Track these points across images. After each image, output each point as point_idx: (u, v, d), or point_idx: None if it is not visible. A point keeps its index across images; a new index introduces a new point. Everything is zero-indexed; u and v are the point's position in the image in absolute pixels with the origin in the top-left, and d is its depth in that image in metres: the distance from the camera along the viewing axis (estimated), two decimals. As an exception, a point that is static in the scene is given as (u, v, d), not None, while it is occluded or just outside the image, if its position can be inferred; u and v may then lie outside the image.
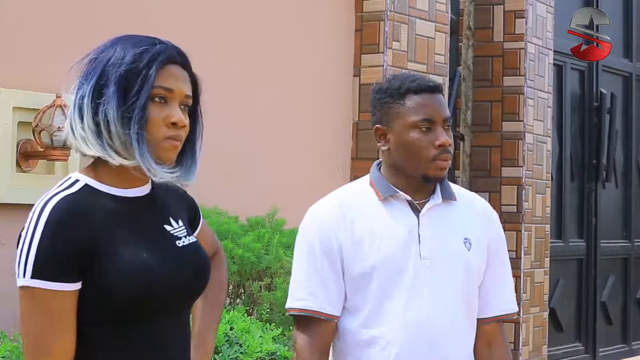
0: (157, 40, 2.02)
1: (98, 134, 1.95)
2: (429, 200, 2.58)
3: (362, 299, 2.56)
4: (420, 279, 2.53)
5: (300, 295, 2.58)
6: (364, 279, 2.55)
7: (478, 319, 2.63)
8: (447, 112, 2.56)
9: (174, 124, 1.98)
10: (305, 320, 2.57)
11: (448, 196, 2.60)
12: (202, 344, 2.20)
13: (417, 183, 2.58)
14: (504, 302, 2.66)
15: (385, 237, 2.55)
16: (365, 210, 2.59)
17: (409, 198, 2.57)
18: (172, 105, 1.99)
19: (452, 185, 2.67)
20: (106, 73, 1.96)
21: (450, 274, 2.55)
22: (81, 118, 1.97)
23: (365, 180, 2.67)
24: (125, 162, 1.96)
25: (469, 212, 2.63)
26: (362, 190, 2.63)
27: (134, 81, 1.95)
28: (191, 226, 2.17)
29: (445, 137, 2.53)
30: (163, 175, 1.98)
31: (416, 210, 2.57)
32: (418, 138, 2.53)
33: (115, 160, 1.95)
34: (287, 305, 2.61)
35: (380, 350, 2.54)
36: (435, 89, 2.57)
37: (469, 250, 2.57)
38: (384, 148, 2.61)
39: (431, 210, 2.57)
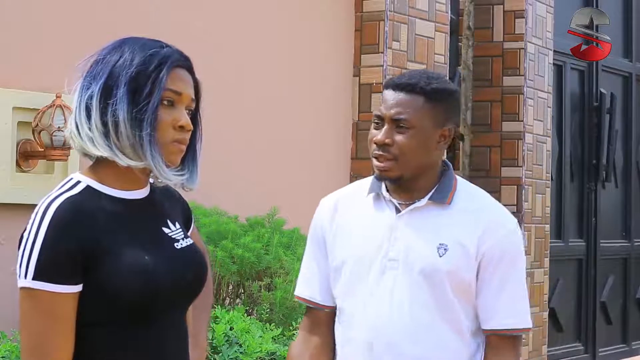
0: (163, 43, 2.03)
1: (106, 134, 1.96)
2: (413, 202, 2.54)
3: (336, 293, 2.62)
4: (384, 280, 2.52)
5: (298, 282, 2.72)
6: (337, 273, 2.60)
7: (483, 329, 2.58)
8: (402, 113, 2.47)
9: (181, 127, 1.99)
10: (306, 306, 2.72)
11: (438, 199, 2.54)
12: (197, 344, 2.22)
13: (403, 183, 2.54)
14: (502, 317, 2.55)
15: (360, 234, 2.57)
16: (354, 205, 2.62)
17: (388, 197, 2.56)
18: (178, 108, 2.00)
19: (463, 189, 2.59)
20: (115, 74, 1.96)
21: (415, 278, 2.50)
22: (88, 118, 1.97)
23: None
24: (133, 164, 1.96)
25: (461, 218, 2.53)
26: (362, 186, 2.64)
27: (144, 83, 1.96)
28: (185, 229, 2.18)
29: (380, 135, 2.49)
30: (172, 177, 2.00)
31: (399, 211, 2.55)
32: (370, 134, 2.55)
33: (123, 161, 1.96)
34: None
35: (341, 347, 2.61)
36: (402, 87, 2.50)
37: (441, 256, 2.49)
38: None
39: (413, 212, 2.53)
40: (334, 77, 5.96)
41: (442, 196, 2.54)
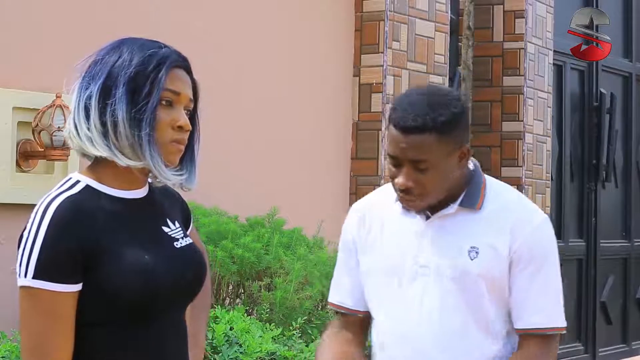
0: (161, 44, 2.03)
1: (105, 134, 1.96)
2: (444, 208, 2.52)
3: (367, 299, 2.62)
4: (414, 287, 2.51)
5: (331, 289, 2.71)
6: (365, 279, 2.60)
7: (515, 329, 2.55)
8: (419, 155, 2.40)
9: (180, 127, 1.99)
10: (337, 312, 2.71)
11: (468, 205, 2.51)
12: (195, 344, 2.22)
13: None
14: (530, 316, 2.51)
15: (389, 241, 2.56)
16: (384, 211, 2.59)
17: None
18: (177, 108, 2.01)
19: (491, 189, 2.55)
20: (114, 74, 1.97)
21: (446, 282, 2.49)
22: (87, 118, 1.97)
23: None
24: (132, 163, 1.96)
25: (490, 220, 2.51)
26: (391, 191, 2.58)
27: (143, 83, 1.96)
28: (184, 228, 2.18)
29: (401, 179, 2.43)
30: (171, 177, 2.00)
31: (428, 217, 2.53)
32: (390, 170, 2.49)
33: (123, 161, 1.96)
34: None
35: (373, 355, 2.61)
36: (411, 130, 2.39)
37: (472, 259, 2.48)
38: None
39: (442, 219, 2.51)
40: (334, 77, 5.96)
41: (472, 202, 2.51)
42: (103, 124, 1.96)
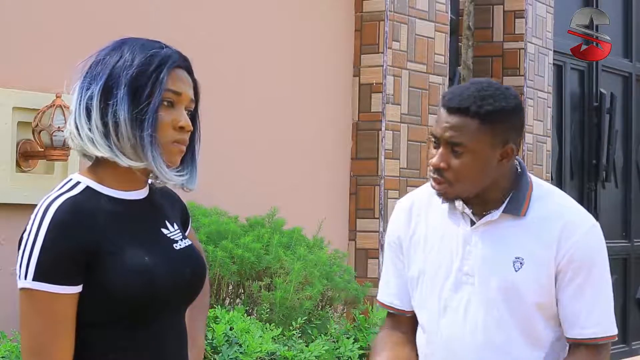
0: (162, 44, 2.03)
1: (106, 135, 1.96)
2: (488, 214, 2.47)
3: (413, 301, 2.60)
4: (459, 295, 2.48)
5: (379, 287, 2.69)
6: (413, 282, 2.57)
7: (565, 337, 2.51)
8: (456, 137, 2.36)
9: (181, 127, 1.99)
10: (387, 312, 2.70)
11: (512, 211, 2.46)
12: (195, 344, 2.22)
13: (472, 198, 2.47)
14: (583, 326, 2.46)
15: (434, 246, 2.53)
16: (429, 213, 2.56)
17: (462, 209, 2.49)
18: (178, 108, 2.01)
19: (537, 194, 2.49)
20: (115, 75, 1.96)
21: (490, 293, 2.45)
22: (89, 119, 1.97)
23: None
24: (134, 164, 1.96)
25: (535, 228, 2.46)
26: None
27: (145, 84, 1.96)
28: (183, 229, 2.18)
29: (435, 158, 2.40)
30: (173, 178, 2.00)
31: (473, 223, 2.48)
32: (430, 153, 2.46)
33: (124, 162, 1.96)
34: None
35: (421, 358, 2.60)
36: (454, 110, 2.37)
37: (517, 270, 2.43)
38: None
39: (487, 226, 2.47)
40: (334, 77, 5.96)
41: (517, 208, 2.46)
42: (104, 125, 1.96)
